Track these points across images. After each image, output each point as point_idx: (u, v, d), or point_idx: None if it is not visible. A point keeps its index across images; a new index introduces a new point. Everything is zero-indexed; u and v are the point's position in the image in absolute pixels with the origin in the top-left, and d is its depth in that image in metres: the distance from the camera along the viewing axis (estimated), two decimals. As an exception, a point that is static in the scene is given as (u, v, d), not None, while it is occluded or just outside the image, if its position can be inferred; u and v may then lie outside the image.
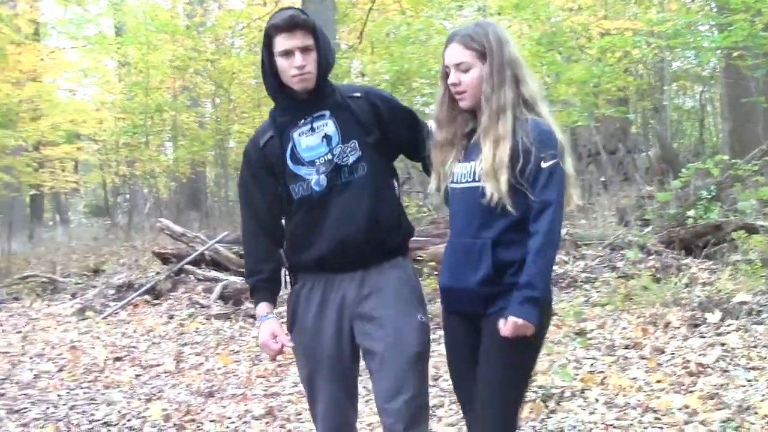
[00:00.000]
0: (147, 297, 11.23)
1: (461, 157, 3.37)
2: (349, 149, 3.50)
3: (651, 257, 9.19)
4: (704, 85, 19.55)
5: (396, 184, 3.69)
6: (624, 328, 7.34)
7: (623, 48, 14.50)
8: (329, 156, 3.48)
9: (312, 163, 3.49)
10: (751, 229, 8.95)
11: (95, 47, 22.23)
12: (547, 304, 3.29)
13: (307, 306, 3.59)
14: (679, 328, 7.09)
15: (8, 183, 19.20)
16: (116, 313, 10.84)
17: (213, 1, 24.36)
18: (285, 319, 3.70)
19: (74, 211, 36.13)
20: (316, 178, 3.48)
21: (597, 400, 5.66)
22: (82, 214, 35.35)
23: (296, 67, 3.40)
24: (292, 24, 3.39)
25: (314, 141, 3.50)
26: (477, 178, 3.25)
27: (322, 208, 3.50)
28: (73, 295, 12.58)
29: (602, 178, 15.27)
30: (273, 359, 4.21)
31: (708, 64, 16.61)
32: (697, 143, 18.71)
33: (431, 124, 3.58)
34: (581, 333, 7.39)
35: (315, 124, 3.50)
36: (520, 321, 3.11)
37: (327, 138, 3.49)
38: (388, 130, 3.59)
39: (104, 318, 10.62)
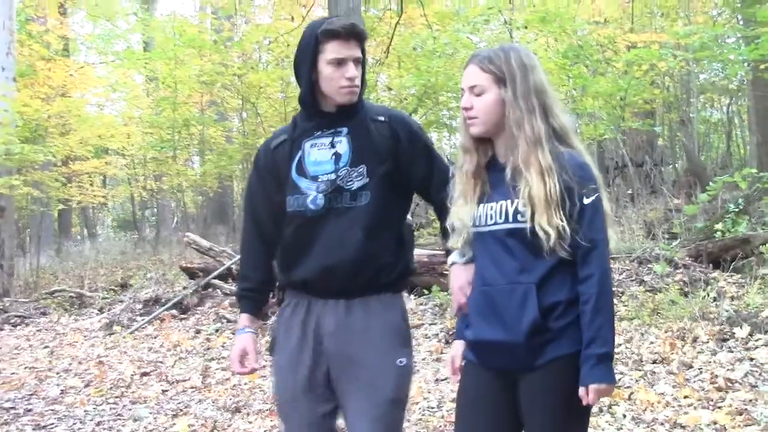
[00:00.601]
0: (174, 311, 11.28)
1: (485, 197, 3.07)
2: (355, 174, 3.30)
3: (679, 271, 9.12)
4: (731, 98, 19.43)
5: (405, 220, 3.50)
6: (651, 343, 7.30)
7: (650, 61, 14.42)
8: (333, 176, 3.30)
9: (315, 178, 3.32)
10: (780, 243, 8.87)
11: (123, 62, 22.39)
12: None
13: (289, 328, 3.41)
14: (707, 342, 7.04)
15: (37, 198, 19.34)
16: (143, 327, 10.89)
17: (240, 16, 24.44)
18: (267, 337, 3.58)
19: (102, 226, 36.34)
20: (313, 196, 3.31)
21: (624, 416, 5.64)
22: (109, 228, 35.55)
23: (348, 78, 3.25)
24: (351, 32, 3.26)
25: (323, 156, 3.34)
26: (512, 218, 2.95)
27: (314, 229, 3.32)
28: (101, 310, 12.65)
29: (629, 191, 15.20)
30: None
31: (735, 76, 16.53)
32: (725, 156, 18.59)
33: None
34: (608, 348, 7.34)
35: (329, 140, 3.35)
36: (602, 386, 2.87)
37: (337, 156, 3.32)
38: (402, 162, 3.38)
39: (131, 333, 10.68)
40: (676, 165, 18.03)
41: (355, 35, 3.25)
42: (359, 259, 3.26)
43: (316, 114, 3.38)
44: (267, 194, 3.48)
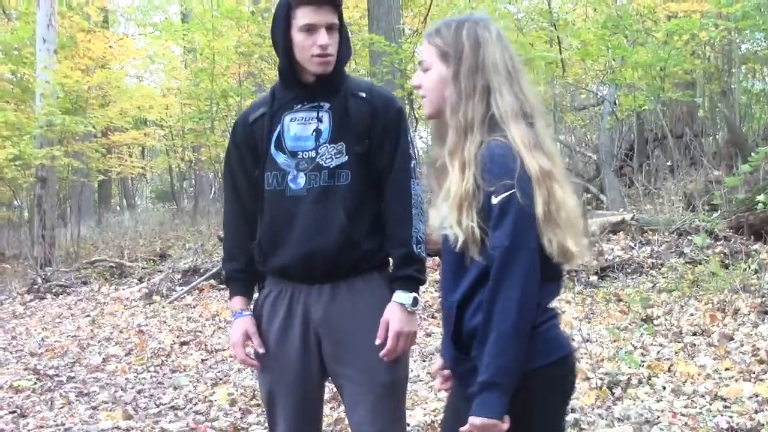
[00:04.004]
0: (212, 282, 11.33)
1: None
2: (335, 151, 3.10)
3: (719, 243, 9.06)
4: (774, 68, 19.19)
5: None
6: (691, 315, 7.26)
7: (690, 31, 14.23)
8: (313, 153, 3.10)
9: (294, 154, 3.13)
10: (823, 215, 8.79)
11: (162, 34, 22.52)
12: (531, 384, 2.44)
13: (272, 317, 3.21)
14: (748, 314, 7.00)
15: (77, 169, 19.52)
16: (182, 297, 10.97)
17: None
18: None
19: (141, 197, 36.63)
20: (293, 174, 3.11)
21: (664, 388, 5.61)
22: (148, 199, 35.82)
23: (320, 46, 3.01)
24: None
25: (303, 131, 3.13)
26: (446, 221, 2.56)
27: (293, 211, 3.11)
28: (140, 280, 12.76)
29: (669, 163, 15.08)
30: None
31: (779, 46, 16.32)
32: (767, 127, 18.35)
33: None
34: (647, 319, 7.33)
35: (310, 114, 3.13)
36: (477, 421, 2.37)
37: (317, 132, 3.12)
38: (373, 144, 3.15)
39: (170, 302, 10.76)
40: (717, 136, 17.81)
41: (327, 0, 3.03)
42: (341, 243, 3.07)
43: (295, 85, 3.17)
44: (245, 169, 3.26)
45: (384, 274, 3.22)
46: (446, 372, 2.71)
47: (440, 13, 16.93)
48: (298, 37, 3.05)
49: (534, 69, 15.66)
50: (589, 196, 13.94)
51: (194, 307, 10.34)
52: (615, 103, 16.08)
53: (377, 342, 3.04)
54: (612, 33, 14.59)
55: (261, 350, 3.24)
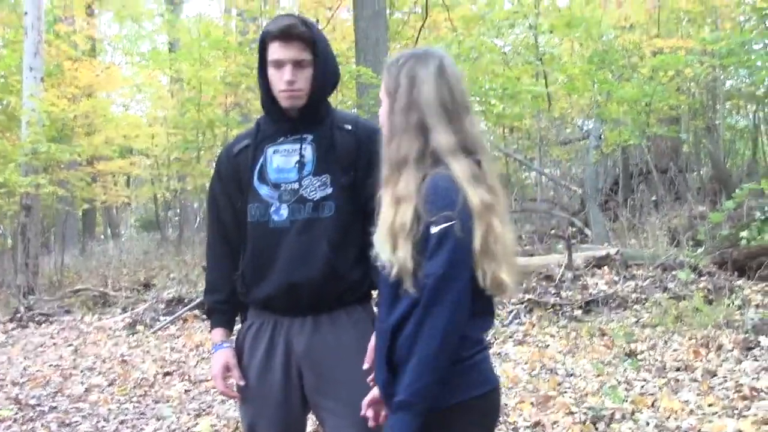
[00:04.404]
0: (196, 312, 11.29)
1: None
2: (319, 183, 3.12)
3: (703, 278, 9.10)
4: (758, 104, 19.31)
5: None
6: (675, 350, 7.27)
7: (675, 67, 14.37)
8: (296, 185, 3.12)
9: (277, 186, 3.14)
10: (806, 251, 8.83)
11: (149, 63, 22.55)
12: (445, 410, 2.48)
13: (253, 349, 3.22)
14: (731, 350, 7.02)
15: (62, 197, 19.45)
16: (166, 327, 10.94)
17: (265, 18, 24.49)
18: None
19: (125, 225, 36.50)
20: (276, 206, 3.12)
21: (648, 423, 5.60)
22: (133, 228, 35.70)
23: (285, 81, 3.06)
24: (288, 34, 3.05)
25: (286, 163, 3.15)
26: None
27: (277, 243, 3.11)
28: (124, 309, 12.69)
29: (653, 198, 15.15)
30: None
31: (762, 83, 16.43)
32: (751, 163, 18.45)
33: None
34: (631, 354, 7.34)
35: (294, 146, 3.17)
36: None
37: (300, 164, 3.14)
38: (358, 176, 3.15)
39: (154, 332, 10.72)
40: (701, 172, 17.93)
41: (295, 36, 3.05)
42: (325, 275, 3.08)
43: (278, 117, 3.21)
44: (230, 201, 3.27)
45: (368, 308, 3.24)
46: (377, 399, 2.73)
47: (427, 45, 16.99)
48: (270, 71, 3.11)
49: (520, 102, 15.78)
50: (574, 230, 13.98)
51: (178, 337, 10.30)
52: (600, 138, 16.17)
53: (365, 366, 3.02)
54: (598, 68, 14.72)
55: (241, 383, 3.25)
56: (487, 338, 2.69)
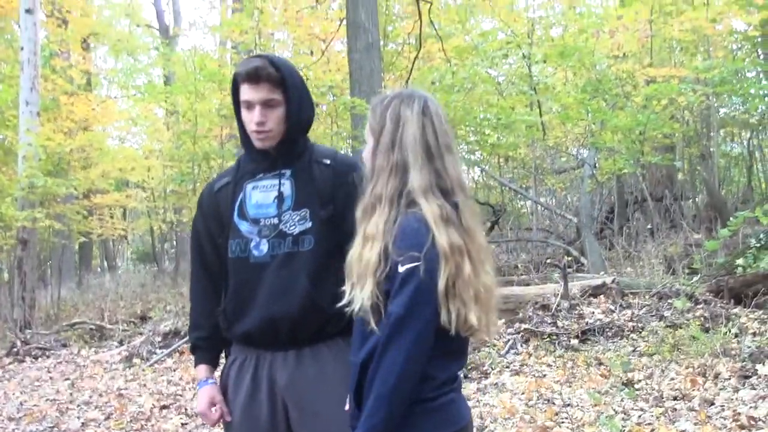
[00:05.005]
0: (193, 344, 11.25)
1: None
2: (298, 218, 3.15)
3: (699, 306, 9.10)
4: (752, 132, 19.41)
5: None
6: (672, 379, 7.26)
7: (669, 95, 14.44)
8: (276, 220, 3.16)
9: (256, 221, 3.18)
10: (802, 279, 8.84)
11: (145, 96, 22.57)
12: None
13: (237, 385, 3.24)
14: (729, 379, 7.01)
15: (59, 230, 19.46)
16: (162, 360, 10.91)
17: (260, 51, 24.59)
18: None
19: (121, 258, 36.49)
20: (256, 241, 3.16)
21: (645, 453, 5.60)
22: (129, 260, 35.68)
23: (255, 123, 3.11)
24: (254, 75, 3.10)
25: (265, 199, 3.19)
26: None
27: (258, 278, 3.14)
28: (121, 342, 12.68)
29: (648, 226, 15.18)
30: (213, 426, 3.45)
31: (756, 110, 16.51)
32: (746, 190, 18.52)
33: None
34: (628, 383, 7.33)
35: (272, 182, 3.20)
36: None
37: (279, 199, 3.18)
38: (337, 211, 3.17)
39: (151, 365, 10.69)
40: (696, 200, 17.98)
41: (264, 78, 3.10)
42: (305, 308, 3.09)
43: (256, 155, 3.25)
44: (211, 237, 3.32)
45: (349, 341, 3.15)
46: None
47: (421, 76, 17.08)
48: (242, 111, 3.18)
49: (515, 132, 15.83)
50: (569, 258, 14.00)
51: (174, 370, 10.28)
52: (595, 166, 16.23)
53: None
54: (592, 97, 14.78)
55: (228, 419, 3.28)
56: (459, 378, 2.72)
